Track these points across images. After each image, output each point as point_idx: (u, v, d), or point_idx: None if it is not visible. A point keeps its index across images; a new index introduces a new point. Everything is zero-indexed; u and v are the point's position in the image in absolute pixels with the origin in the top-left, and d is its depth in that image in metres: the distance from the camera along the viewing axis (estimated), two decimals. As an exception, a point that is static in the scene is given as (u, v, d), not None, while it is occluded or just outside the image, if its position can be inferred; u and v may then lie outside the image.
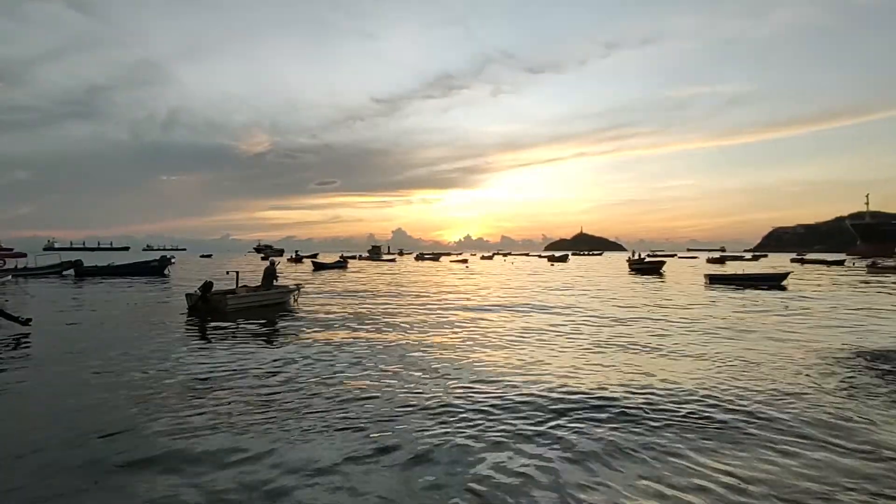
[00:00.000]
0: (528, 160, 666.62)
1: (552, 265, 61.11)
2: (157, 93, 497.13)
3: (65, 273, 33.13)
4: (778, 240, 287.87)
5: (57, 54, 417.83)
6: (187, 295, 14.94)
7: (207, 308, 14.04)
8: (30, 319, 10.28)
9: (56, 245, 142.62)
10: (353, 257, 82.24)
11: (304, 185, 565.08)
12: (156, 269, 35.71)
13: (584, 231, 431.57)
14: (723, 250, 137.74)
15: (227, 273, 16.00)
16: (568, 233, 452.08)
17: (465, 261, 74.94)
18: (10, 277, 23.32)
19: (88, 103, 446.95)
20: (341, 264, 50.72)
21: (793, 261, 64.50)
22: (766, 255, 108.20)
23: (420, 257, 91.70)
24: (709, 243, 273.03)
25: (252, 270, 37.89)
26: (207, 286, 14.45)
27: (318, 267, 46.63)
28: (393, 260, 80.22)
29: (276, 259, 20.76)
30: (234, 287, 16.08)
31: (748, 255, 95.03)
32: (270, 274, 16.84)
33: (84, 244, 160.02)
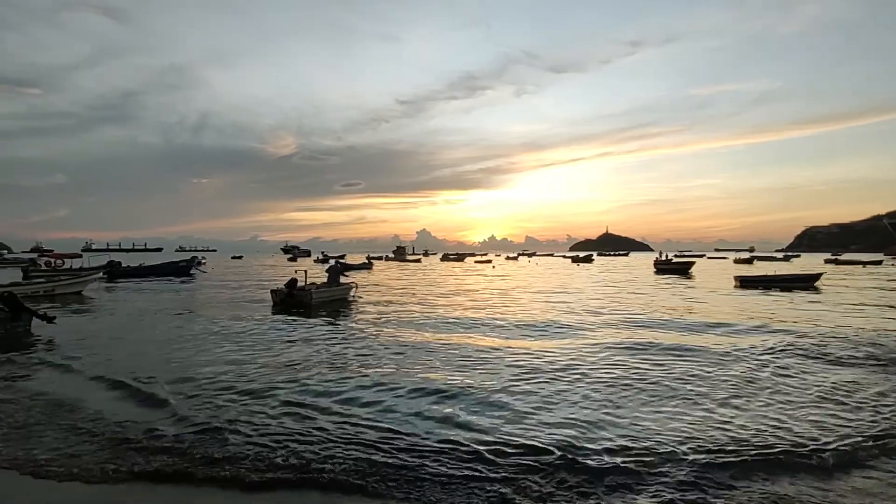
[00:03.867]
0: (552, 160, 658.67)
1: (577, 265, 61.08)
2: (187, 97, 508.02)
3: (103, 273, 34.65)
4: (811, 239, 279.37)
5: (92, 61, 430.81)
6: (272, 291, 16.98)
7: (293, 302, 15.91)
8: (54, 317, 11.16)
9: (93, 246, 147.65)
10: (379, 258, 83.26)
11: (329, 187, 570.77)
12: (183, 270, 36.94)
13: (609, 231, 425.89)
14: (752, 250, 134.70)
15: (296, 272, 18.01)
16: (593, 233, 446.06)
17: (489, 261, 75.26)
18: (101, 274, 24.94)
19: (122, 108, 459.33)
20: (367, 266, 51.58)
21: (827, 261, 62.94)
22: (798, 256, 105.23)
23: (445, 258, 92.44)
24: (738, 243, 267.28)
25: (271, 270, 39.20)
26: (292, 283, 16.45)
27: (345, 268, 47.45)
28: (418, 260, 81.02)
29: (338, 261, 22.39)
30: (304, 284, 17.28)
31: (779, 256, 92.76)
32: (336, 272, 18.69)
33: (120, 245, 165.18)
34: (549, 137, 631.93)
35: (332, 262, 20.13)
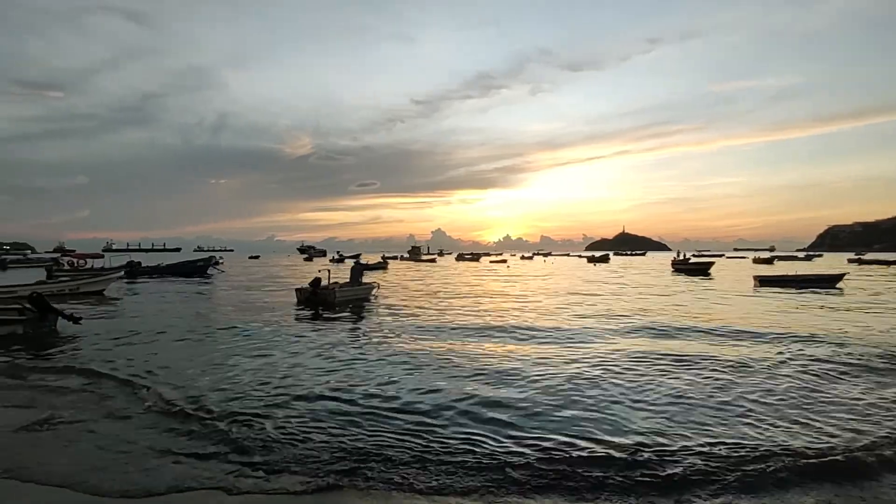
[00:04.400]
0: (568, 159, 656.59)
1: (594, 265, 60.61)
2: (205, 98, 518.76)
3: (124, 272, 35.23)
4: (834, 238, 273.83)
5: (113, 64, 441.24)
6: (297, 290, 17.35)
7: (317, 300, 16.17)
8: (80, 318, 11.27)
9: (114, 246, 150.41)
10: (394, 258, 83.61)
11: (345, 187, 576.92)
12: (201, 269, 37.40)
13: (625, 230, 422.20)
14: (772, 249, 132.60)
15: (319, 271, 18.42)
16: (609, 232, 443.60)
17: (504, 261, 75.09)
18: (122, 273, 25.69)
19: (142, 110, 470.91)
20: (382, 265, 51.80)
21: (850, 261, 61.70)
22: (820, 255, 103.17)
23: (460, 257, 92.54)
24: (758, 242, 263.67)
25: (297, 269, 39.47)
26: (316, 282, 16.68)
27: (365, 268, 47.68)
28: (433, 260, 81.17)
29: (359, 261, 22.81)
30: (327, 283, 17.53)
31: (801, 255, 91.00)
32: (359, 272, 19.07)
33: (139, 245, 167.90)
34: (566, 136, 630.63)
35: (355, 262, 20.54)
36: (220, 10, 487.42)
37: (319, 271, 18.59)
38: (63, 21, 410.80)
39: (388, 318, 13.73)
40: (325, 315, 14.27)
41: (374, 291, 19.46)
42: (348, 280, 18.79)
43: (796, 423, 5.44)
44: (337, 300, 16.38)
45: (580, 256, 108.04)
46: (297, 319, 13.59)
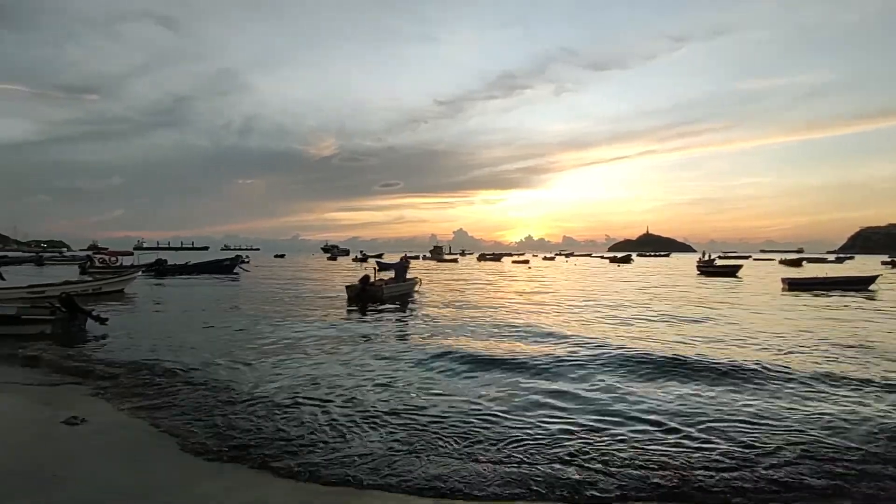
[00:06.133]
0: (592, 159, 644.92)
1: (617, 266, 60.13)
2: (234, 101, 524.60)
3: (150, 270, 35.78)
4: (866, 240, 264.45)
5: (146, 68, 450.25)
6: (347, 287, 18.40)
7: (366, 296, 17.24)
8: (107, 319, 11.46)
9: (144, 245, 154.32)
10: (416, 257, 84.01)
11: (369, 187, 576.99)
12: (227, 268, 38.06)
13: (649, 231, 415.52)
14: (800, 251, 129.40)
15: (365, 268, 19.82)
16: (633, 233, 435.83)
17: (526, 262, 74.89)
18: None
19: (174, 113, 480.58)
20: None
21: (883, 263, 59.98)
22: (851, 258, 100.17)
23: (482, 257, 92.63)
24: (787, 244, 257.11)
25: (321, 270, 39.92)
26: (365, 279, 17.88)
27: (382, 267, 48.13)
28: (455, 260, 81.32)
29: (402, 259, 24.11)
30: (374, 280, 18.57)
31: (831, 258, 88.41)
32: (403, 269, 20.65)
33: (169, 244, 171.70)
34: (590, 136, 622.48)
35: (400, 260, 22.65)
36: (249, 15, 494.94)
37: (364, 268, 19.61)
38: (99, 28, 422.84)
39: (430, 316, 14.08)
40: (380, 314, 14.43)
41: (416, 287, 21.01)
42: (393, 277, 20.20)
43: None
44: (384, 296, 17.45)
45: (602, 257, 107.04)
46: (351, 321, 13.48)
